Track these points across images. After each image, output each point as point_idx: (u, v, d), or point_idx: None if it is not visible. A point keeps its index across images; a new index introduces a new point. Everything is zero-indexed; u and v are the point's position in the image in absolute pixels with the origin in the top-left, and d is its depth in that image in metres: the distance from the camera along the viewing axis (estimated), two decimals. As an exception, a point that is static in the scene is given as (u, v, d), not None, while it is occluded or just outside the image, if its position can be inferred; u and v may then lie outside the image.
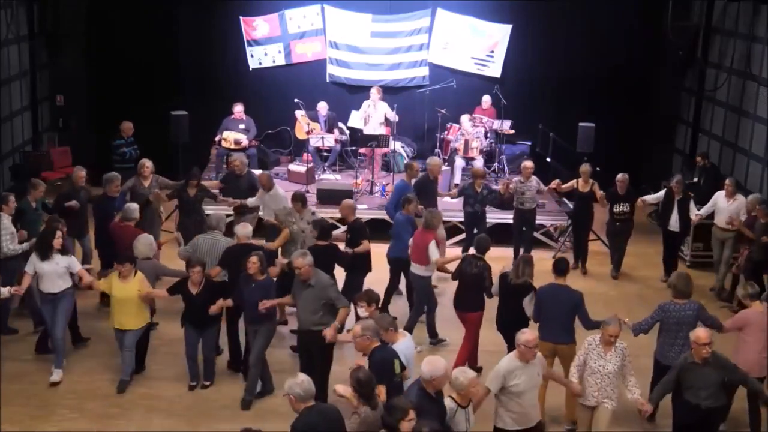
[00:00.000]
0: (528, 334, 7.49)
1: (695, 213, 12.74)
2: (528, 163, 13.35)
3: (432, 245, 10.46)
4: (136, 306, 9.35)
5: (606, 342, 7.94)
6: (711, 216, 12.80)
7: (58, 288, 9.50)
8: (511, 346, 9.33)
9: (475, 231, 12.93)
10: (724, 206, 12.43)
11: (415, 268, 10.73)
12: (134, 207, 10.88)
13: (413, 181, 12.72)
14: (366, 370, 6.73)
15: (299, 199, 11.13)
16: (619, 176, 13.10)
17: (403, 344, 7.66)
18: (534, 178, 13.26)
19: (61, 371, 9.62)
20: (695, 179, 15.31)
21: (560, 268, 9.08)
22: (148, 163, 12.20)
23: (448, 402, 6.94)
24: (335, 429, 6.50)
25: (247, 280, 9.05)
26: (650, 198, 13.40)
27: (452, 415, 6.87)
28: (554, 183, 13.47)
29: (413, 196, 11.65)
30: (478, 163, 15.43)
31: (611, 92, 17.00)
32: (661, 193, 13.16)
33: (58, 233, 9.50)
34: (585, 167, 13.34)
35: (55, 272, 9.45)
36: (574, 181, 13.33)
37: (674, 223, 12.86)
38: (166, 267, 10.24)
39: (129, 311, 9.34)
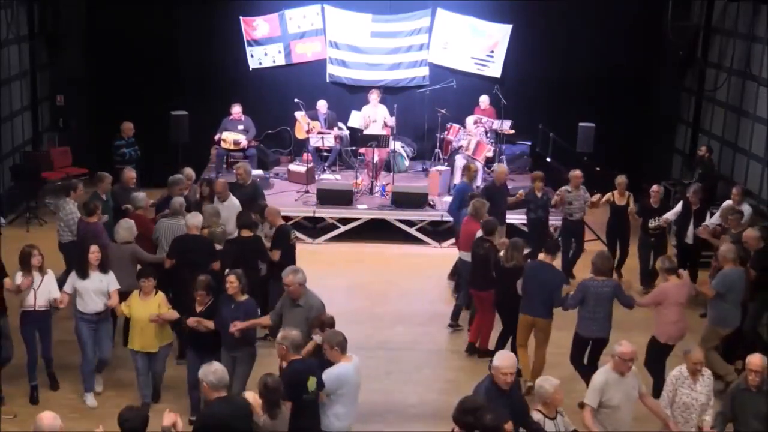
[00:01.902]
0: (624, 347, 7.40)
1: (702, 224, 12.08)
2: (577, 172, 12.88)
3: (479, 233, 10.61)
4: (157, 325, 8.95)
5: (693, 372, 7.67)
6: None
7: (100, 307, 9.13)
8: (506, 326, 10.06)
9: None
10: None
11: (463, 255, 11.16)
12: (142, 195, 11.10)
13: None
14: (276, 378, 6.61)
15: (257, 211, 10.88)
16: (654, 187, 12.59)
17: (343, 367, 7.27)
18: (582, 187, 12.88)
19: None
20: (694, 178, 15.31)
21: (549, 247, 9.64)
22: (193, 175, 12.16)
23: (534, 414, 6.89)
24: (241, 425, 6.41)
25: (227, 301, 8.53)
26: (670, 215, 12.61)
27: (542, 425, 6.85)
28: (595, 197, 13.02)
29: (476, 193, 12.00)
30: (478, 163, 15.44)
31: (611, 92, 17.00)
32: (679, 206, 12.59)
33: (92, 248, 9.16)
34: (621, 179, 12.73)
35: (99, 290, 9.10)
36: (610, 194, 12.88)
37: (690, 235, 12.25)
38: (144, 253, 10.03)
39: (150, 332, 8.94)
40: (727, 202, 12.15)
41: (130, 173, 12.06)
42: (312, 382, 7.02)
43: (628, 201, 12.77)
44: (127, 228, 9.87)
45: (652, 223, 12.47)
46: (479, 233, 10.56)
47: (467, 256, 10.89)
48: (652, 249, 12.63)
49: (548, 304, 9.41)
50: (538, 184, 12.80)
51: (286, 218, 13.38)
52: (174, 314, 9.03)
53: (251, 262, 9.40)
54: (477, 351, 10.53)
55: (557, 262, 13.40)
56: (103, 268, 9.18)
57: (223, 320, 8.47)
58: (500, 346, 10.05)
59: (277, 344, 7.18)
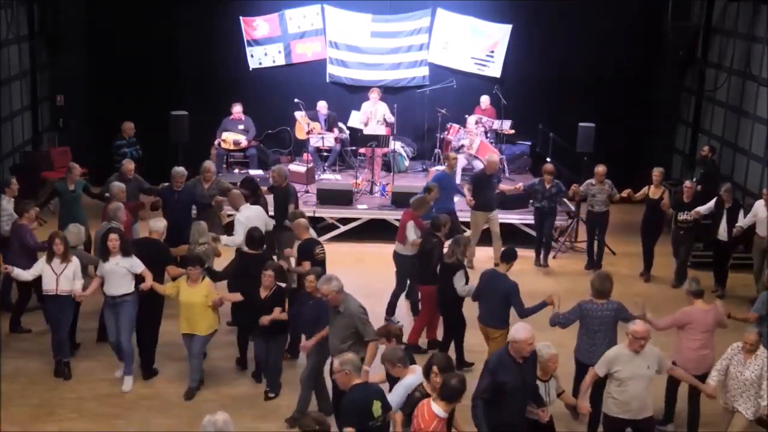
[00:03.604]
0: (638, 326, 7.61)
1: (736, 225, 12.14)
2: (600, 168, 13.17)
3: (410, 225, 10.96)
4: (202, 311, 9.17)
5: (746, 350, 7.90)
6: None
7: (119, 291, 9.31)
8: (449, 323, 10.05)
9: (543, 228, 13.59)
10: (765, 215, 12.00)
11: (397, 247, 11.31)
12: (118, 185, 11.30)
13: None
14: (311, 414, 6.32)
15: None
16: (687, 183, 12.80)
17: (410, 381, 7.09)
18: (608, 182, 13.17)
19: (131, 378, 9.55)
20: (695, 178, 15.29)
21: (506, 255, 9.45)
22: (212, 168, 12.26)
23: None
24: None
25: (305, 298, 8.83)
26: (703, 209, 12.57)
27: None
28: (625, 192, 13.18)
29: (434, 185, 12.12)
30: (479, 162, 15.46)
31: (611, 92, 17.01)
32: (712, 203, 12.57)
33: (111, 235, 9.33)
34: (657, 170, 12.98)
35: (117, 273, 9.28)
36: (646, 188, 13.04)
37: (722, 232, 12.39)
38: (90, 255, 10.24)
39: (196, 316, 9.18)
40: (760, 202, 12.20)
41: (129, 165, 12.26)
42: (377, 407, 6.65)
43: (662, 195, 12.86)
44: (74, 233, 9.91)
45: (682, 216, 12.62)
46: (410, 224, 10.90)
47: (400, 248, 11.23)
48: (682, 241, 12.84)
49: (499, 314, 9.19)
50: (548, 176, 13.27)
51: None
52: (234, 296, 9.49)
53: (257, 279, 9.43)
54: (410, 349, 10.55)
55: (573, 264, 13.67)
56: (125, 252, 9.35)
57: (302, 316, 8.84)
58: (446, 345, 10.06)
59: (336, 372, 6.80)
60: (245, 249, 10.00)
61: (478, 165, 15.40)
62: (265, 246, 10.37)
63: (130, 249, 9.42)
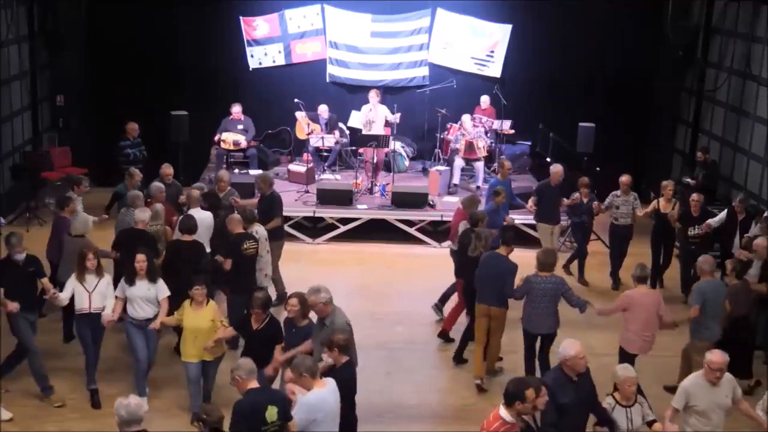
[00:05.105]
0: (715, 355, 7.30)
1: (745, 236, 11.76)
2: (624, 178, 12.79)
3: (462, 224, 11.07)
4: (210, 336, 8.72)
5: None
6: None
7: (150, 314, 9.11)
8: (470, 313, 10.48)
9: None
10: None
11: (451, 244, 11.69)
12: (156, 186, 11.50)
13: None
14: (204, 405, 6.17)
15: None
16: (694, 196, 12.40)
17: (317, 394, 6.72)
18: (633, 194, 12.82)
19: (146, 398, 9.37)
20: (697, 180, 15.31)
21: (507, 239, 9.84)
22: (226, 177, 12.25)
23: (608, 399, 7.16)
24: None
25: (288, 325, 8.20)
26: (714, 221, 12.23)
27: (610, 411, 7.11)
28: (643, 211, 12.85)
29: (502, 189, 12.23)
30: (480, 163, 15.47)
31: (611, 92, 17.00)
32: (723, 214, 12.32)
33: (139, 257, 9.11)
34: (669, 184, 12.67)
35: (146, 297, 9.09)
36: (655, 201, 12.77)
37: (736, 244, 11.89)
38: (96, 247, 10.03)
39: (203, 342, 8.71)
40: None
41: (168, 169, 12.31)
42: (272, 413, 6.46)
43: (673, 208, 12.52)
44: (82, 222, 10.15)
45: (692, 231, 12.28)
46: (463, 224, 11.03)
47: (453, 245, 11.43)
48: (692, 257, 12.32)
49: (501, 294, 9.62)
50: (584, 190, 12.99)
51: (287, 218, 13.43)
52: (231, 332, 8.83)
53: (190, 267, 9.58)
54: (445, 336, 11.00)
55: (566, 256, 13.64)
56: (151, 276, 9.14)
57: (288, 346, 8.20)
58: (466, 334, 10.46)
59: (231, 378, 6.72)
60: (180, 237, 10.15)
61: (478, 166, 15.46)
62: (208, 250, 10.45)
63: (157, 273, 9.24)
